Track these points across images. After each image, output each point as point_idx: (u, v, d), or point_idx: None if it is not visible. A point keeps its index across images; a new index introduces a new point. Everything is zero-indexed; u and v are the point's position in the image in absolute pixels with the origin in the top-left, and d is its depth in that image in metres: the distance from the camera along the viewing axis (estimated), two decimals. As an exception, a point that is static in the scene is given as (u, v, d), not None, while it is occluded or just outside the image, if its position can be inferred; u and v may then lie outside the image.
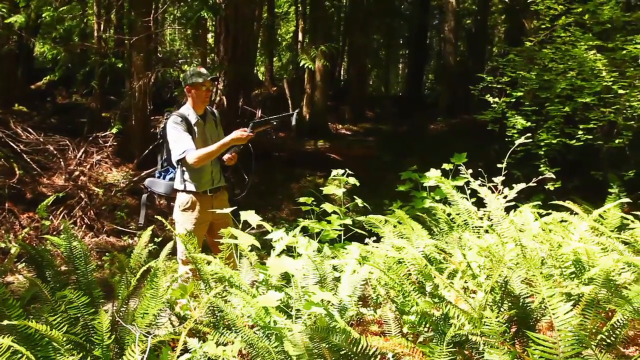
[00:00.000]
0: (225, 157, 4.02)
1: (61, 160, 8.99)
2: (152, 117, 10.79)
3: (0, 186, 7.52)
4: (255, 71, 17.62)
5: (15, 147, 8.62)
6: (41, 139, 9.39)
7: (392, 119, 16.03)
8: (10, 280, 5.27)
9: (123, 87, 11.99)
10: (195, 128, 3.92)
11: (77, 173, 8.84)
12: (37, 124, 10.40)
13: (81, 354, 2.05)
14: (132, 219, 8.05)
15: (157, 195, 4.39)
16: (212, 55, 12.14)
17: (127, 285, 3.02)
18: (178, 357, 2.07)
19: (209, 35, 14.11)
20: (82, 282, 2.98)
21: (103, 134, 10.23)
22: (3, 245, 6.28)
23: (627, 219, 4.26)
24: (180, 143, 3.78)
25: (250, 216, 3.30)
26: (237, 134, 3.69)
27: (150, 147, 8.99)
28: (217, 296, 2.68)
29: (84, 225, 7.57)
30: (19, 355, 1.91)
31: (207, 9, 9.50)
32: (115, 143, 10.09)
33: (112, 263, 6.20)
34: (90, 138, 10.05)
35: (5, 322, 2.19)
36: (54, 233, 6.74)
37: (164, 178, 4.15)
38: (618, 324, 2.54)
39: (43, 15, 8.98)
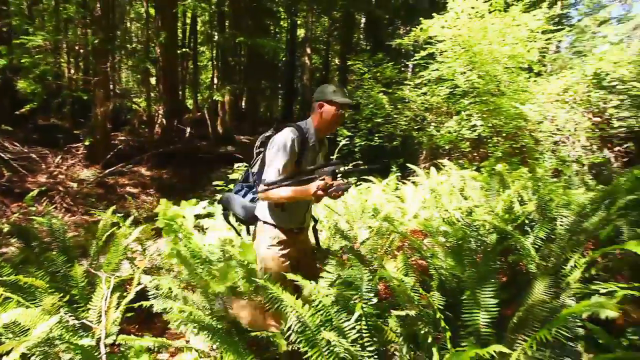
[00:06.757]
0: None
1: (42, 164, 7.67)
2: (112, 134, 9.63)
3: (-8, 185, 6.26)
4: (185, 102, 16.45)
5: (4, 156, 7.19)
6: (25, 149, 7.91)
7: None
8: (4, 251, 4.42)
9: (89, 112, 10.53)
10: (308, 153, 1.94)
11: (55, 173, 7.62)
12: (22, 139, 8.74)
13: (61, 294, 1.82)
14: (100, 202, 7.15)
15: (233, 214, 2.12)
16: (155, 92, 11.11)
17: (97, 245, 2.72)
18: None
19: (153, 79, 12.87)
20: (61, 246, 2.62)
21: (75, 145, 8.90)
22: (-2, 226, 5.22)
23: (399, 185, 4.73)
24: (272, 168, 1.84)
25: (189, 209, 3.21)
26: (313, 188, 1.73)
27: (111, 153, 8.10)
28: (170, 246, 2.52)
29: (64, 209, 6.55)
30: (10, 301, 1.65)
31: (148, 62, 8.68)
32: (85, 151, 8.83)
33: (87, 232, 5.45)
34: (65, 148, 8.70)
35: (-1, 279, 1.87)
36: (39, 216, 5.77)
37: (244, 195, 2.08)
38: (393, 240, 2.83)
39: (22, 60, 7.56)
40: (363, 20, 17.53)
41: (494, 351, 1.20)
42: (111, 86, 10.65)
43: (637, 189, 2.58)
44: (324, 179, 1.73)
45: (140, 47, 11.49)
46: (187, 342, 2.17)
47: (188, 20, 15.81)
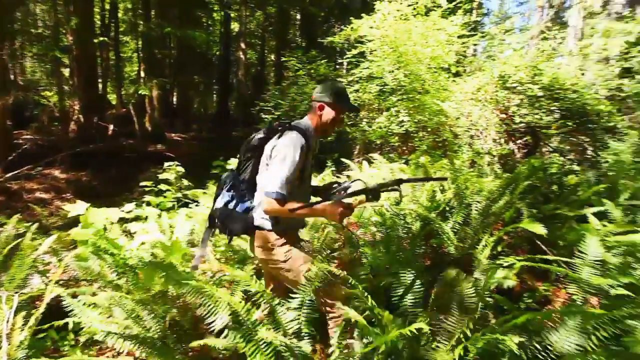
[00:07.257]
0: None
1: None
2: (14, 132, 8.38)
3: None
4: (107, 97, 15.01)
5: None
6: None
7: (208, 129, 15.34)
8: None
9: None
10: (310, 158, 1.86)
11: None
12: None
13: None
14: (1, 211, 6.19)
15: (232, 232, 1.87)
16: (69, 84, 9.90)
17: (-4, 260, 2.36)
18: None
19: (67, 70, 11.44)
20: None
21: (-36, 147, 7.55)
22: None
23: (334, 179, 4.84)
24: (281, 178, 1.70)
25: (111, 212, 2.94)
26: (339, 208, 1.70)
27: (14, 154, 7.08)
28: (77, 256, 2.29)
29: (-49, 221, 5.53)
30: None
31: (58, 50, 7.70)
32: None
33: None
34: (-50, 151, 7.34)
35: None
36: None
37: (235, 206, 1.87)
38: (328, 233, 2.88)
39: None
40: (298, 16, 17.57)
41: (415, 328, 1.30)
42: (11, 77, 9.29)
43: (533, 175, 2.97)
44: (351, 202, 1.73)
45: (48, 32, 10.17)
46: (116, 356, 2.01)
47: (108, 6, 14.35)
